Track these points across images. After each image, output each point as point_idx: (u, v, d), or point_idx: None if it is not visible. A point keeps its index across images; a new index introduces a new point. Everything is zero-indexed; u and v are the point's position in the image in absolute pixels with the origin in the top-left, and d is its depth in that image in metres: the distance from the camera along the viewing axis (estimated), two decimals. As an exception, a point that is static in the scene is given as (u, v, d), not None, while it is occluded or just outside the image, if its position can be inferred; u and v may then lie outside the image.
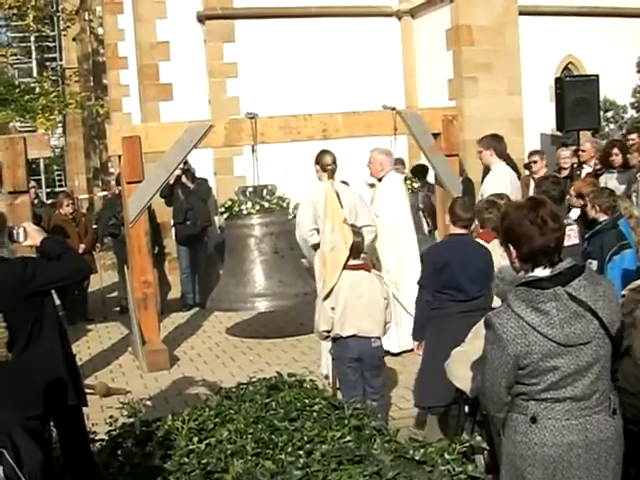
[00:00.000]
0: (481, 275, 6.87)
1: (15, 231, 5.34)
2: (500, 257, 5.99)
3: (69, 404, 5.26)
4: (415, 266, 9.10)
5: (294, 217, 10.49)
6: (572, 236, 7.94)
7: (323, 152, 9.31)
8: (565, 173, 11.73)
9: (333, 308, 7.02)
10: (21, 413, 3.93)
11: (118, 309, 13.97)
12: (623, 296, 5.07)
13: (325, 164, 9.02)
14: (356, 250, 7.13)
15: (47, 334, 5.15)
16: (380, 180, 10.21)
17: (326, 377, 8.58)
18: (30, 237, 5.35)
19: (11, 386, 4.79)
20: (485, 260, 6.97)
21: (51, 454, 5.17)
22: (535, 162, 11.83)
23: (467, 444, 4.68)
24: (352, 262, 7.09)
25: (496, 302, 6.25)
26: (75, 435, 5.44)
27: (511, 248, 3.98)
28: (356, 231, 7.25)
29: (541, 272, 3.91)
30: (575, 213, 9.21)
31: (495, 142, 10.11)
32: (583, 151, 11.69)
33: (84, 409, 5.56)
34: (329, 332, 7.09)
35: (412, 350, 8.54)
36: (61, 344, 5.30)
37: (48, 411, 5.10)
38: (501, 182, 9.63)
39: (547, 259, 3.90)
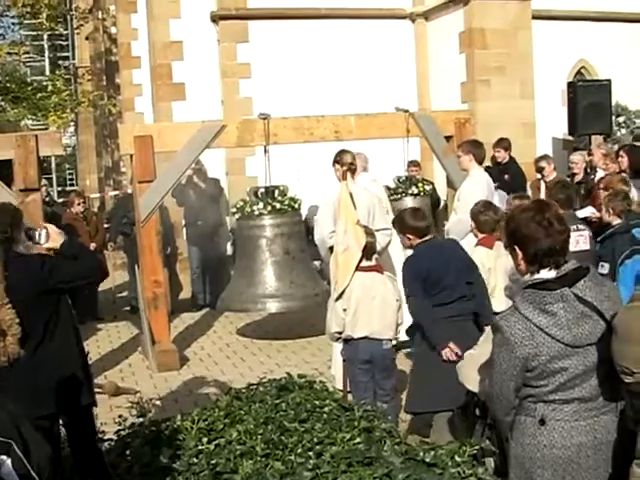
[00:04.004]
0: (461, 275, 6.84)
1: (37, 232, 5.28)
2: (509, 258, 5.96)
3: (81, 404, 5.28)
4: None
5: (304, 219, 10.50)
6: (580, 242, 7.92)
7: (343, 151, 9.23)
8: (578, 178, 11.72)
9: (345, 310, 7.00)
10: (32, 412, 3.92)
11: (128, 308, 14.00)
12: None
13: (346, 163, 8.95)
14: (369, 251, 7.10)
15: (61, 332, 5.16)
16: None
17: (333, 378, 8.59)
18: (51, 239, 5.32)
19: (24, 384, 4.78)
20: (462, 258, 6.97)
21: (59, 451, 5.18)
22: (543, 168, 11.91)
23: (477, 447, 4.68)
24: (364, 263, 7.06)
25: (505, 304, 6.21)
26: (84, 434, 5.45)
27: (517, 250, 3.98)
28: (369, 232, 7.21)
29: (547, 274, 3.91)
30: (582, 213, 9.20)
31: (475, 148, 10.14)
32: (592, 155, 11.73)
33: (94, 409, 5.57)
34: (340, 334, 7.08)
35: None
36: (75, 343, 5.31)
37: (59, 410, 5.11)
38: (480, 187, 9.66)
39: (553, 260, 3.91)
